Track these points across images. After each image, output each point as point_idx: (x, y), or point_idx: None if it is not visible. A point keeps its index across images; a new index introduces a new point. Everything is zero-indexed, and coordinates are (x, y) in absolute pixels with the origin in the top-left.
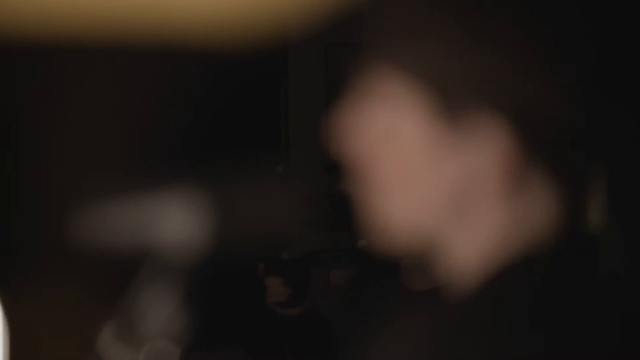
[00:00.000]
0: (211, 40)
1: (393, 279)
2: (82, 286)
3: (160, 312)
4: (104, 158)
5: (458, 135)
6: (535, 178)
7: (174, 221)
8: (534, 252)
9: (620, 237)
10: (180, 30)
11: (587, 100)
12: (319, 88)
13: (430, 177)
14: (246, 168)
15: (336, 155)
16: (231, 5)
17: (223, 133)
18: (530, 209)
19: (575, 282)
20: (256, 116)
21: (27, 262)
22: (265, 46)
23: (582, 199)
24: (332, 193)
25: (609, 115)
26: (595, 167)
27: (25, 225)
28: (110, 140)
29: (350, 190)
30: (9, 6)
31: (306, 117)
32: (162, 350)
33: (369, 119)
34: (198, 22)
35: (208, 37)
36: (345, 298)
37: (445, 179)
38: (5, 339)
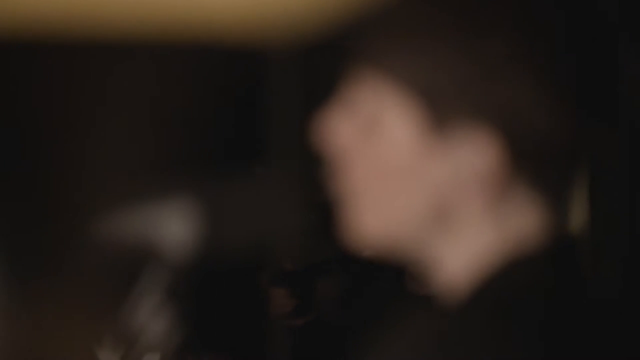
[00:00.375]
0: (190, 42)
1: (392, 284)
2: (86, 286)
3: (155, 317)
4: (100, 162)
5: (443, 142)
6: (520, 186)
7: (161, 227)
8: (520, 260)
9: (602, 242)
10: (155, 30)
11: (573, 109)
12: (299, 91)
13: (411, 185)
14: (227, 172)
15: (319, 156)
16: (213, 6)
17: (202, 136)
18: (515, 218)
19: (561, 287)
20: (235, 117)
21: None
22: (246, 47)
23: (566, 206)
24: (317, 197)
25: (592, 123)
26: (578, 175)
27: (35, 224)
28: (102, 143)
29: (333, 194)
30: (25, 4)
31: (287, 119)
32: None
33: (350, 120)
34: (175, 24)
35: (187, 38)
36: (341, 306)
37: (428, 187)
38: None
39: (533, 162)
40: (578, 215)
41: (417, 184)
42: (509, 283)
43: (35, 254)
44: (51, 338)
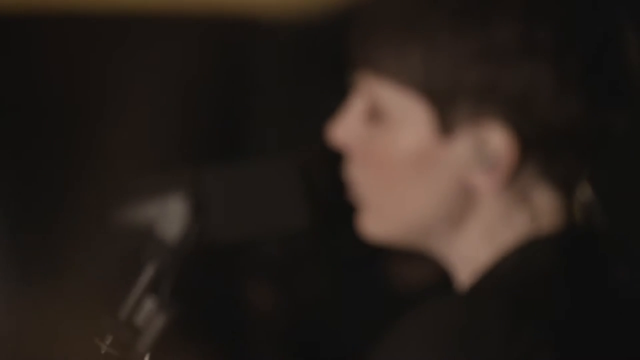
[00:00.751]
0: (186, 15)
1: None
2: (88, 279)
3: (153, 312)
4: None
5: (451, 134)
6: (531, 176)
7: (159, 219)
8: (531, 249)
9: (616, 231)
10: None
11: (582, 97)
12: (290, 75)
13: (422, 177)
14: (220, 160)
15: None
16: None
17: (191, 122)
18: (526, 207)
19: (575, 275)
20: (224, 101)
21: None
22: (243, 22)
23: (578, 194)
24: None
25: (602, 111)
26: (589, 163)
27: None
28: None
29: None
30: None
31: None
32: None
33: (359, 115)
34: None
35: (184, 11)
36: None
37: (439, 178)
38: None
39: (543, 151)
40: (590, 203)
41: (428, 176)
42: (521, 271)
43: (38, 247)
44: (53, 332)
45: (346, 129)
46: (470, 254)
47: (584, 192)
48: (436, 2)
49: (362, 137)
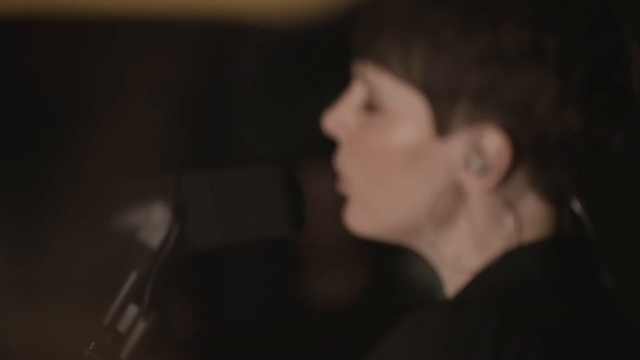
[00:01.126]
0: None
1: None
2: (75, 285)
3: (136, 319)
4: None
5: (445, 134)
6: (523, 181)
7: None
8: (521, 253)
9: (609, 237)
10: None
11: (579, 105)
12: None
13: (413, 175)
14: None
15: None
16: None
17: (178, 125)
18: (517, 212)
19: (563, 282)
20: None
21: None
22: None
23: (571, 201)
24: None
25: (599, 119)
26: (584, 170)
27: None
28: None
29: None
30: None
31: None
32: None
33: (354, 110)
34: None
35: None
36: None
37: (431, 175)
38: None
39: (536, 160)
40: (579, 212)
41: (419, 173)
42: (510, 277)
43: (21, 253)
44: (36, 337)
45: (340, 117)
46: (456, 257)
47: (575, 202)
48: (445, 1)
49: (356, 127)
